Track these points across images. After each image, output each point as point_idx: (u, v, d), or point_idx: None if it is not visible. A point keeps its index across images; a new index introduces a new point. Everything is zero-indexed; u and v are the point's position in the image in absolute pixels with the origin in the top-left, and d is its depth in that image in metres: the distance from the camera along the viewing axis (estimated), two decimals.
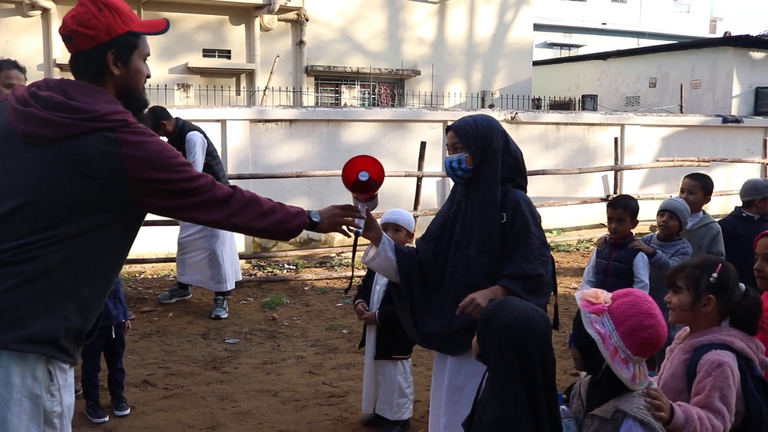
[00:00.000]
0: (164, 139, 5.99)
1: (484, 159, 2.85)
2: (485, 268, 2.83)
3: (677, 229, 4.16)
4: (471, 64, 15.61)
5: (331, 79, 14.27)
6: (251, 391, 4.53)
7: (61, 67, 11.97)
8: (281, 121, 9.40)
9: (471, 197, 2.89)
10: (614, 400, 2.03)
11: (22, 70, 4.19)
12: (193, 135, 6.12)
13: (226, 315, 6.29)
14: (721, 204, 11.02)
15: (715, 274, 2.35)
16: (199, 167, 5.99)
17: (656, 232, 4.34)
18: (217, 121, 9.06)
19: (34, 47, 11.94)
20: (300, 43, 13.57)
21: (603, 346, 1.99)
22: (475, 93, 15.14)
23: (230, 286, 6.49)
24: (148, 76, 2.16)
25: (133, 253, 7.93)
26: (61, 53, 12.05)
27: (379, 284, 3.82)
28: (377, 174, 2.66)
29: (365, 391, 3.86)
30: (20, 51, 11.61)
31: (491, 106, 13.40)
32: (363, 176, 2.64)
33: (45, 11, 11.90)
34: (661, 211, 4.22)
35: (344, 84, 14.30)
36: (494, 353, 1.93)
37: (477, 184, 2.87)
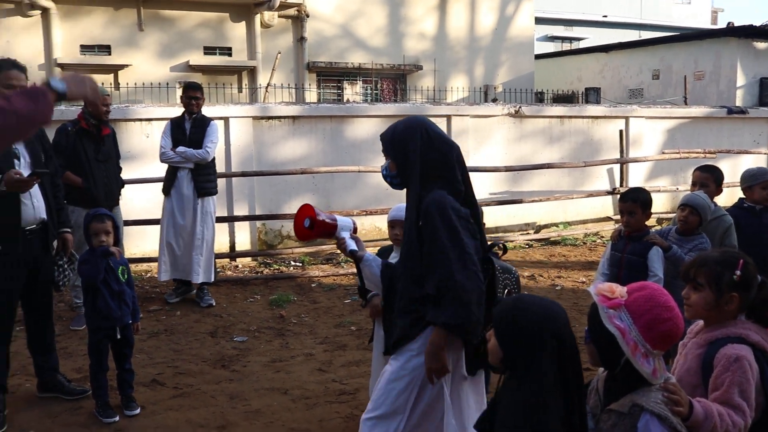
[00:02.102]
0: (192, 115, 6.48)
1: (404, 163, 2.77)
2: (408, 272, 2.75)
3: (697, 225, 4.11)
4: (473, 59, 15.56)
5: (332, 76, 14.23)
6: (261, 390, 4.51)
7: (62, 66, 11.94)
8: (284, 117, 9.36)
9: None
10: (631, 395, 2.00)
11: (23, 69, 4.17)
12: (216, 123, 6.65)
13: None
14: (728, 195, 10.97)
15: (738, 272, 2.31)
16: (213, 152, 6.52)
17: (675, 226, 4.30)
18: (220, 118, 9.03)
19: (35, 47, 11.91)
20: (301, 40, 13.53)
21: (623, 342, 1.96)
22: (478, 87, 15.10)
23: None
24: None
25: (139, 252, 7.94)
26: (62, 53, 12.03)
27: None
28: (315, 216, 2.93)
29: (372, 386, 3.84)
30: (21, 51, 11.57)
31: (494, 100, 13.35)
32: (306, 223, 2.93)
33: (45, 11, 11.87)
34: (682, 206, 4.18)
35: (346, 80, 14.26)
36: (519, 351, 1.90)
37: (407, 188, 2.82)
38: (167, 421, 4.06)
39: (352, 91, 14.33)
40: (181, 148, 6.31)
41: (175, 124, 6.42)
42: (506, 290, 2.65)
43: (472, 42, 15.43)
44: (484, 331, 2.62)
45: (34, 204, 4.17)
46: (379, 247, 4.44)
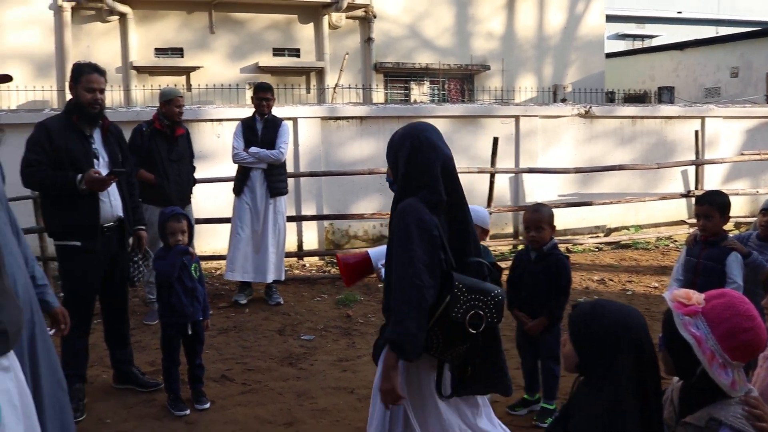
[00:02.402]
0: (264, 116, 6.58)
1: (395, 169, 2.71)
2: (386, 282, 2.70)
3: None
4: (542, 58, 15.32)
5: (400, 76, 14.24)
6: (328, 388, 4.54)
7: (138, 69, 12.32)
8: (352, 118, 9.42)
9: None
10: (708, 408, 1.89)
11: (102, 73, 4.31)
12: (287, 123, 6.80)
13: None
14: None
15: None
16: (286, 152, 6.64)
17: (755, 231, 4.12)
18: (289, 119, 9.15)
19: (113, 51, 12.33)
20: (368, 41, 13.59)
21: (699, 350, 1.87)
22: (547, 87, 14.86)
23: None
24: None
25: (209, 250, 8.10)
26: (138, 56, 12.41)
27: None
28: (342, 267, 3.18)
29: None
30: (100, 55, 12.00)
31: (563, 100, 13.11)
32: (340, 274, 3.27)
33: (122, 16, 12.27)
34: (764, 210, 4.01)
35: (413, 80, 14.25)
36: (595, 357, 1.84)
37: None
38: (236, 416, 4.13)
39: (420, 92, 14.31)
40: (254, 149, 6.41)
41: (247, 126, 6.53)
42: (470, 312, 2.46)
43: (540, 41, 15.20)
44: (441, 354, 2.56)
45: (112, 202, 4.31)
46: None
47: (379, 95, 13.57)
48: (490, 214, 8.37)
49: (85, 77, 4.22)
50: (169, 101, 5.94)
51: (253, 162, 6.43)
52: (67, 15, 11.87)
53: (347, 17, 13.43)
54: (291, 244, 9.07)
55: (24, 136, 4.30)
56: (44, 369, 2.99)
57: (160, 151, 5.98)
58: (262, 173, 6.48)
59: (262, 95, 6.46)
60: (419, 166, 2.60)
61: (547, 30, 15.23)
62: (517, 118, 10.04)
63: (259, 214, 6.53)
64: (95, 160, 4.28)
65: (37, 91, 11.36)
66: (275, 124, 6.54)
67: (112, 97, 11.38)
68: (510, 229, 10.12)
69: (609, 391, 1.80)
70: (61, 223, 4.22)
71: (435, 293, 2.49)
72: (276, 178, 6.54)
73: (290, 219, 8.24)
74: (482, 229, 3.74)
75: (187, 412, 4.14)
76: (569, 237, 9.76)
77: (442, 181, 2.58)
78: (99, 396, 4.43)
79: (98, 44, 12.24)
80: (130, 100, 12.21)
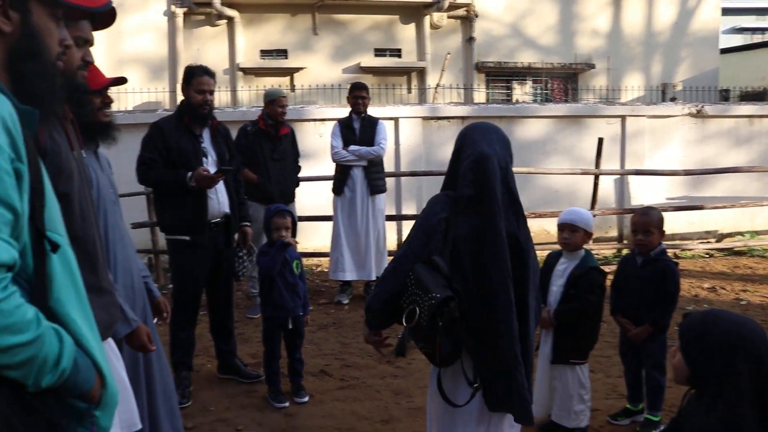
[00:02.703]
0: (360, 115, 6.64)
1: None
2: None
3: None
4: (650, 55, 14.72)
5: (501, 76, 14.05)
6: (425, 387, 4.49)
7: (244, 71, 12.73)
8: (453, 118, 9.40)
9: None
10: None
11: (212, 75, 4.47)
12: (383, 122, 6.81)
13: None
14: None
15: None
16: (386, 148, 6.69)
17: None
18: (390, 119, 9.23)
19: (221, 54, 12.79)
20: (470, 40, 13.48)
21: None
22: (655, 86, 14.27)
23: None
24: (89, 43, 1.70)
25: (311, 247, 8.27)
26: (244, 58, 12.82)
27: (556, 285, 3.67)
28: None
29: (537, 395, 3.72)
30: (208, 57, 12.47)
31: (673, 99, 12.55)
32: None
33: (230, 20, 12.71)
34: None
35: (515, 80, 14.03)
36: (709, 370, 1.75)
37: None
38: (334, 411, 4.19)
39: (522, 92, 14.08)
40: (353, 147, 6.49)
41: (344, 125, 6.62)
42: (411, 306, 2.40)
43: (649, 38, 14.61)
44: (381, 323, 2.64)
45: (219, 199, 4.46)
46: (548, 252, 4.32)
47: (480, 95, 13.45)
48: (594, 216, 8.14)
49: (196, 79, 4.39)
50: (273, 101, 6.10)
51: (354, 160, 6.51)
52: (180, 20, 12.41)
53: (449, 17, 13.38)
54: (391, 243, 9.13)
55: (139, 136, 4.53)
56: (153, 354, 3.14)
57: (264, 150, 6.15)
58: (363, 171, 6.55)
59: (358, 93, 6.54)
60: (453, 162, 2.64)
61: (656, 26, 14.63)
62: (623, 118, 9.71)
63: (359, 212, 6.59)
64: (204, 159, 4.44)
65: (151, 93, 11.94)
66: (372, 122, 6.61)
67: (220, 97, 11.81)
68: (614, 233, 9.80)
69: (725, 406, 1.69)
70: (171, 218, 4.41)
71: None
72: (375, 176, 6.59)
73: (390, 218, 8.29)
74: (585, 231, 3.64)
75: (286, 404, 4.24)
76: (677, 242, 9.35)
77: (472, 176, 2.51)
78: (204, 384, 4.61)
79: (207, 47, 12.73)
80: (236, 100, 12.63)
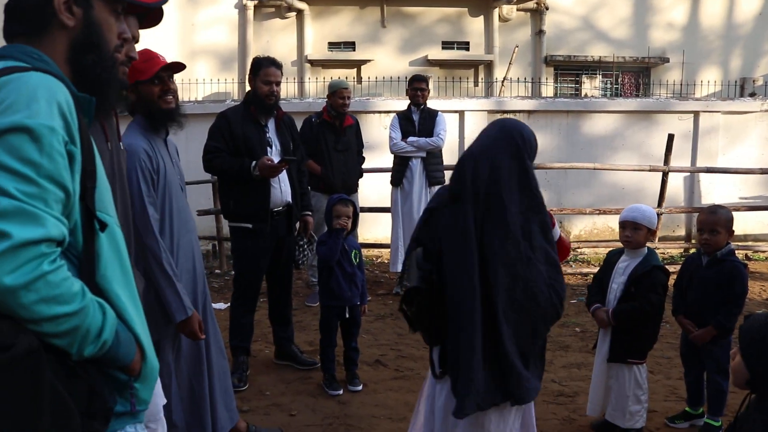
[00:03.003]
0: (420, 107, 6.65)
1: None
2: None
3: None
4: (728, 49, 14.16)
5: (571, 69, 13.77)
6: None
7: (311, 63, 12.87)
8: (519, 112, 9.29)
9: None
10: None
11: (279, 67, 4.55)
12: (443, 114, 6.77)
13: None
14: None
15: None
16: (445, 139, 6.64)
17: None
18: (455, 112, 9.20)
19: (289, 45, 12.96)
20: (539, 33, 13.26)
21: None
22: (733, 80, 13.73)
23: None
24: (135, 40, 1.76)
25: (371, 238, 8.32)
26: (312, 50, 12.96)
27: (616, 282, 3.59)
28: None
29: (592, 393, 3.67)
30: (277, 49, 12.65)
31: (752, 95, 12.05)
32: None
33: (299, 12, 12.85)
34: None
35: (585, 74, 13.73)
36: None
37: None
38: (387, 400, 4.23)
39: (591, 86, 13.77)
40: (412, 138, 6.51)
41: (403, 117, 6.64)
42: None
43: (728, 30, 14.06)
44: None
45: (282, 188, 4.54)
46: (610, 249, 4.24)
47: (548, 89, 13.23)
48: (660, 215, 7.93)
49: (264, 70, 4.47)
50: (335, 93, 6.17)
51: (412, 151, 6.52)
52: (250, 13, 12.63)
53: (518, 9, 13.19)
54: None
55: (207, 126, 4.64)
56: (212, 337, 3.25)
57: (327, 141, 6.22)
58: (421, 162, 6.55)
59: (417, 85, 6.55)
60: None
61: (737, 18, 14.07)
62: (696, 113, 9.41)
63: (416, 203, 6.61)
64: (269, 148, 4.53)
65: (221, 84, 12.21)
66: (432, 114, 6.61)
67: (287, 89, 11.97)
68: (682, 232, 9.52)
69: None
70: (234, 206, 4.52)
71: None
72: (434, 168, 6.59)
73: None
74: (648, 229, 3.56)
75: (341, 392, 4.30)
76: (750, 243, 9.00)
77: (456, 174, 2.54)
78: (261, 369, 4.72)
79: (276, 39, 12.92)
80: (303, 92, 12.78)
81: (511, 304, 2.39)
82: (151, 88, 3.00)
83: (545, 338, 2.56)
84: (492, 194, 2.43)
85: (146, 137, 3.00)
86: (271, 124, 4.61)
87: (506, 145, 2.50)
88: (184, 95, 11.81)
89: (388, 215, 7.15)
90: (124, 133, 3.00)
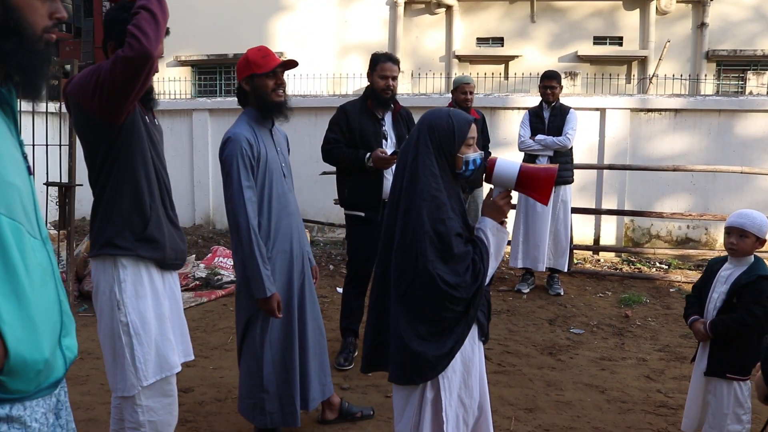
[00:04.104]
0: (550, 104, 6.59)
1: None
2: None
3: None
4: None
5: (736, 65, 12.84)
6: (579, 384, 4.45)
7: (459, 58, 12.94)
8: (665, 110, 8.85)
9: None
10: None
11: (396, 62, 4.69)
12: (575, 112, 6.63)
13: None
14: None
15: None
16: (573, 139, 6.51)
17: None
18: (596, 110, 8.93)
19: (438, 41, 13.10)
20: (701, 26, 12.48)
21: None
22: None
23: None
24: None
25: None
26: (460, 45, 13.03)
27: (717, 291, 3.40)
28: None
29: (688, 408, 3.50)
30: (426, 45, 12.86)
31: None
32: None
33: (449, 8, 12.97)
34: None
35: (752, 69, 12.75)
36: None
37: None
38: None
39: (758, 82, 12.76)
40: (540, 137, 6.44)
41: (534, 114, 6.58)
42: None
43: None
44: None
45: None
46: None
47: (707, 86, 12.43)
48: None
49: (380, 65, 4.65)
50: (457, 88, 6.23)
51: (539, 149, 6.45)
52: (401, 9, 12.92)
53: (678, 1, 12.50)
54: (587, 237, 8.89)
55: None
56: (309, 314, 3.49)
57: None
58: (548, 161, 6.46)
59: (547, 83, 6.45)
60: None
61: None
62: None
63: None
64: (384, 141, 4.70)
65: None
66: (563, 111, 6.48)
67: (434, 83, 12.15)
68: None
69: None
70: (349, 194, 4.74)
71: None
72: (561, 167, 6.47)
73: (588, 211, 8.08)
74: (757, 237, 3.32)
75: None
76: None
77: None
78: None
79: (425, 35, 13.12)
80: (450, 87, 12.91)
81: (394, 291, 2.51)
82: (266, 81, 3.27)
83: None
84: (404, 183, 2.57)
85: (251, 127, 3.29)
86: (388, 118, 4.78)
87: (423, 135, 2.48)
88: (335, 89, 12.33)
89: (513, 212, 7.11)
90: (233, 124, 3.32)
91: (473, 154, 2.49)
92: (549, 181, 2.52)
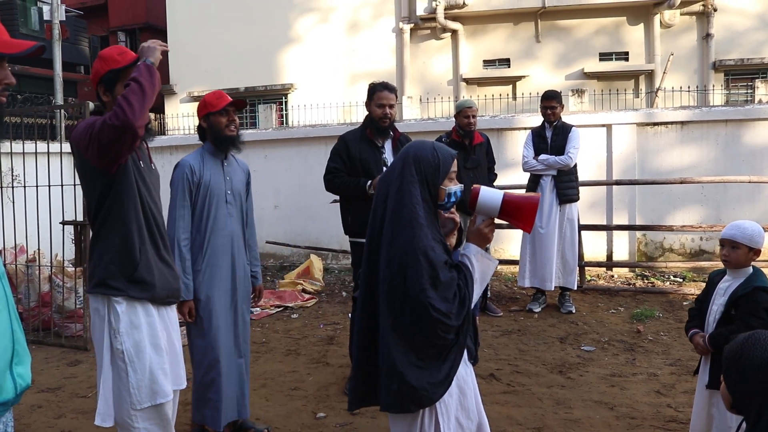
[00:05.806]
0: (552, 123, 6.66)
1: None
2: None
3: None
4: None
5: (744, 74, 12.83)
6: (588, 401, 4.46)
7: (467, 81, 13.07)
8: (671, 123, 8.87)
9: None
10: None
11: (393, 90, 4.79)
12: (577, 130, 6.67)
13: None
14: None
15: None
16: (575, 157, 6.53)
17: None
18: (602, 126, 8.97)
19: (445, 65, 13.25)
20: (706, 37, 12.51)
21: None
22: None
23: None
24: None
25: (506, 255, 8.34)
26: (467, 68, 13.16)
27: (717, 303, 3.41)
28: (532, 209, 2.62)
29: (694, 421, 3.49)
30: (433, 70, 13.01)
31: None
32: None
33: (454, 33, 13.12)
34: None
35: (760, 78, 12.73)
36: (747, 397, 1.66)
37: None
38: (490, 413, 4.23)
39: (766, 91, 12.74)
40: (543, 156, 6.50)
41: (536, 134, 6.65)
42: None
43: None
44: None
45: None
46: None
47: (715, 97, 12.42)
48: None
49: (377, 94, 4.75)
50: (459, 112, 6.31)
51: (543, 169, 6.51)
52: (407, 36, 13.11)
53: (682, 14, 12.56)
54: (600, 254, 8.88)
55: None
56: (226, 335, 3.82)
57: (457, 159, 6.36)
58: (552, 180, 6.51)
59: (547, 103, 6.53)
60: None
61: None
62: None
63: (547, 221, 6.57)
64: (384, 168, 4.78)
65: None
66: (565, 130, 6.53)
67: (443, 108, 12.26)
68: None
69: None
70: (353, 222, 4.81)
71: None
72: (565, 185, 6.52)
73: (598, 228, 8.09)
74: (749, 248, 3.34)
75: None
76: None
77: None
78: None
79: (432, 60, 13.27)
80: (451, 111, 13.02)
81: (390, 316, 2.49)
82: (220, 119, 3.76)
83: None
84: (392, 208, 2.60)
85: (202, 157, 3.80)
86: (387, 145, 4.86)
87: (409, 167, 2.54)
88: (346, 117, 12.48)
89: (521, 231, 7.15)
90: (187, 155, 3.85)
91: (454, 187, 2.58)
92: (532, 209, 2.57)
